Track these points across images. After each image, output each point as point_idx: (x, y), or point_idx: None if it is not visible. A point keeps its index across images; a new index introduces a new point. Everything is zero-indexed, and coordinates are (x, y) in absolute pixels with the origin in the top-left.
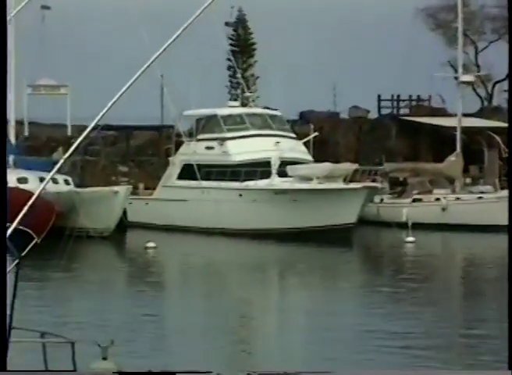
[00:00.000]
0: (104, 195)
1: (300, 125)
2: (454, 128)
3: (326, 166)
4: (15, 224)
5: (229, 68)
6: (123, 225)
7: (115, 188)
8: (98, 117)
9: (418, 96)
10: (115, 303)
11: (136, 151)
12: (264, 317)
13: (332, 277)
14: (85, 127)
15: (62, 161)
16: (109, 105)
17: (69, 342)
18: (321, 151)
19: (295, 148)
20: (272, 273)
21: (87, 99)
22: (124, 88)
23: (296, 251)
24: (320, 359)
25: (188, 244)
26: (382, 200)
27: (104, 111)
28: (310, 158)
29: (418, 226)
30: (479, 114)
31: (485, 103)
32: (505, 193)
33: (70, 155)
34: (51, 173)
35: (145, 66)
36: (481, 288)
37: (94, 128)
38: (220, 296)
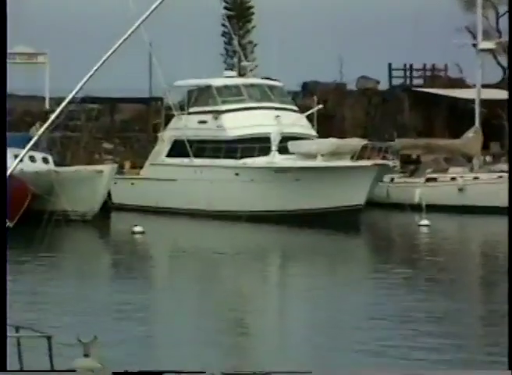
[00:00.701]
0: (87, 175)
1: (302, 97)
2: (473, 101)
3: (332, 142)
4: None
5: (225, 34)
6: (107, 207)
7: (99, 167)
8: (77, 88)
9: (433, 65)
10: (96, 299)
11: (122, 126)
12: (260, 319)
13: (338, 266)
14: (63, 100)
15: (36, 137)
16: (90, 74)
17: (45, 337)
18: (325, 125)
19: (297, 122)
20: (272, 263)
21: (68, 69)
22: (106, 55)
23: (298, 236)
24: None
25: (179, 228)
26: (392, 180)
27: (83, 81)
28: (314, 133)
29: (433, 209)
30: (500, 85)
31: (507, 73)
32: None
33: (47, 130)
34: (25, 150)
35: (130, 30)
36: (500, 280)
37: (73, 101)
38: (214, 291)
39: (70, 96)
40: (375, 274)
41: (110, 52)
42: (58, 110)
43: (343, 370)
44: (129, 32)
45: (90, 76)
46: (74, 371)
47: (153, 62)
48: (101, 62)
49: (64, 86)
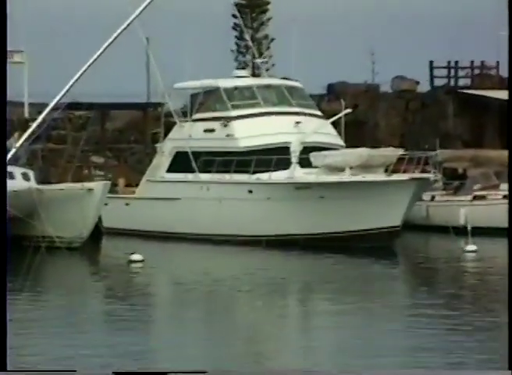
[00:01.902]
0: (75, 194)
1: (328, 101)
2: None
3: (362, 153)
4: None
5: (235, 27)
6: (99, 232)
7: (89, 185)
8: (62, 92)
9: (482, 62)
10: (86, 347)
11: (115, 136)
12: (281, 361)
13: (370, 304)
14: (47, 106)
15: (15, 149)
16: (77, 75)
17: None
18: (355, 133)
19: (321, 130)
20: (293, 298)
21: (51, 70)
22: (96, 54)
23: (322, 264)
24: None
25: (184, 256)
26: (433, 197)
27: (70, 84)
28: (341, 142)
29: (481, 232)
30: None
31: None
32: None
33: (27, 141)
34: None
35: (124, 25)
36: None
37: (57, 107)
38: (228, 332)
39: (54, 102)
40: (414, 312)
41: (100, 51)
42: (39, 118)
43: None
44: (121, 28)
45: (78, 79)
46: (74, 371)
47: (150, 60)
48: (90, 61)
49: (46, 90)
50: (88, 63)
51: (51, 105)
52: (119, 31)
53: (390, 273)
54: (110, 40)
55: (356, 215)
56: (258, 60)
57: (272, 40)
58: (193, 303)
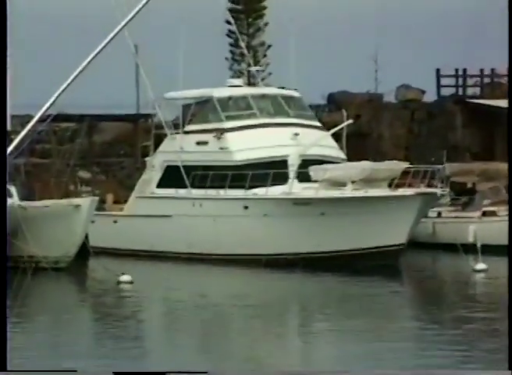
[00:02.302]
0: (61, 211)
1: (328, 111)
2: None
3: (365, 166)
4: None
5: (230, 34)
6: (86, 252)
7: (76, 201)
8: (48, 103)
9: (493, 70)
10: None
11: (103, 150)
12: None
13: (373, 330)
14: (30, 118)
15: None
16: (63, 86)
17: None
18: (357, 146)
19: (321, 142)
20: (290, 322)
21: (35, 79)
22: (84, 64)
23: (323, 285)
24: None
25: (176, 278)
26: (440, 214)
27: (56, 94)
28: (342, 155)
29: (491, 249)
30: None
31: None
32: None
33: (10, 156)
34: None
35: (112, 34)
36: None
37: (42, 119)
38: (224, 358)
39: (39, 113)
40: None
41: (88, 60)
42: (23, 131)
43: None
44: (109, 36)
45: (65, 89)
46: (74, 371)
47: (139, 70)
48: (77, 71)
49: (30, 101)
50: (75, 73)
51: (36, 117)
52: (106, 40)
53: (394, 295)
54: (98, 49)
55: (358, 232)
56: (254, 68)
57: (269, 47)
58: (186, 329)
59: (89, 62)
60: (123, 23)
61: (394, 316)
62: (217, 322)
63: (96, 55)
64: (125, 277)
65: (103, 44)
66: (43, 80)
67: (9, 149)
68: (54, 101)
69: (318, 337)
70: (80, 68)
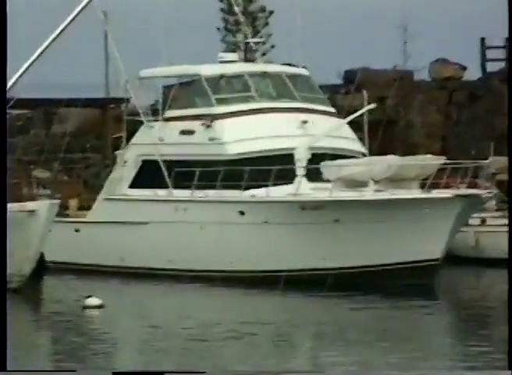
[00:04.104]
0: (12, 218)
1: (345, 93)
2: None
3: (391, 162)
4: None
5: None
6: (43, 268)
7: (30, 205)
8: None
9: None
10: None
11: (65, 143)
12: None
13: (402, 364)
14: None
15: None
16: (25, 66)
17: None
18: (381, 136)
19: (335, 132)
20: (299, 355)
21: None
22: (49, 40)
23: (338, 309)
24: None
25: (155, 300)
26: (484, 221)
27: (16, 76)
28: (362, 148)
29: None
30: None
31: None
32: None
33: None
34: None
35: (81, 5)
36: None
37: None
38: None
39: None
40: None
41: (54, 35)
42: None
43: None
44: (78, 8)
45: (27, 69)
46: (74, 371)
47: (109, 43)
48: (40, 49)
49: None
50: (39, 50)
51: None
52: (75, 12)
53: (428, 320)
54: (66, 22)
55: (382, 244)
56: (252, 40)
57: (271, 13)
58: (169, 363)
59: (54, 39)
60: None
61: (427, 346)
62: (205, 354)
63: (63, 30)
64: (93, 300)
65: (70, 18)
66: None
67: None
68: (14, 84)
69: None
70: (45, 45)
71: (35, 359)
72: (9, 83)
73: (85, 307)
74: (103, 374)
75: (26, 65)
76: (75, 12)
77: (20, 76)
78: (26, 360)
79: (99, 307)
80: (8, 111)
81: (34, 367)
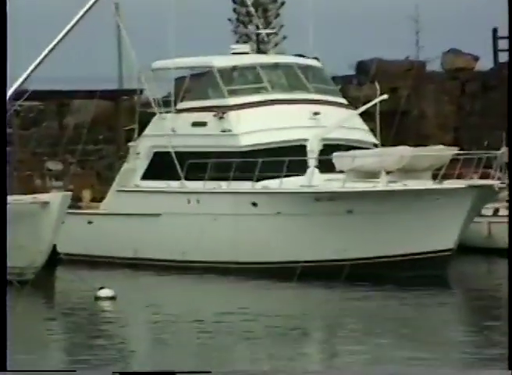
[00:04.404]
0: (24, 210)
1: (357, 84)
2: None
3: (403, 153)
4: None
5: None
6: (57, 260)
7: (43, 197)
8: (21, 79)
9: None
10: None
11: (77, 135)
12: None
13: (416, 357)
14: None
15: None
16: (38, 59)
17: None
18: (393, 127)
19: (347, 123)
20: (313, 348)
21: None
22: (62, 34)
23: (351, 301)
24: None
25: (168, 292)
26: (497, 211)
27: (30, 68)
28: (374, 139)
29: None
30: None
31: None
32: None
33: None
34: None
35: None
36: None
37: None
38: None
39: (11, 90)
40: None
41: (69, 27)
42: None
43: None
44: (90, 2)
45: (40, 62)
46: (74, 371)
47: (122, 34)
48: (54, 42)
49: None
50: (52, 44)
51: (8, 93)
52: (88, 5)
53: (441, 312)
54: (78, 15)
55: (395, 235)
56: (264, 31)
57: (283, 4)
58: (182, 358)
59: (67, 33)
60: None
61: (436, 339)
62: (216, 346)
63: (76, 22)
64: (105, 292)
65: (82, 12)
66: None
67: None
68: (28, 76)
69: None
70: (58, 38)
71: (46, 355)
72: (22, 77)
73: (97, 298)
74: (103, 374)
75: (39, 58)
76: (88, 5)
77: (33, 70)
78: (36, 355)
79: (111, 298)
80: (20, 103)
81: (34, 367)
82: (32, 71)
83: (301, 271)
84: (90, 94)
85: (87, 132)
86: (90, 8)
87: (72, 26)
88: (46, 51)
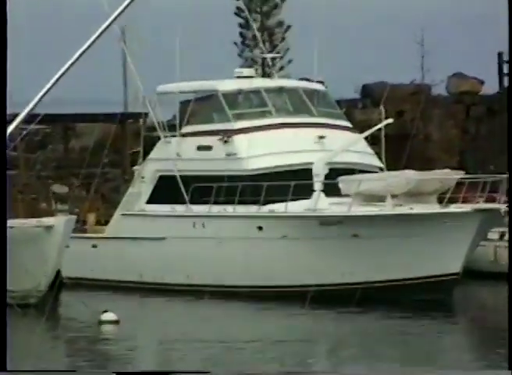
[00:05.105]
0: (29, 233)
1: (362, 107)
2: None
3: (409, 176)
4: None
5: (239, 12)
6: (61, 284)
7: (47, 221)
8: (32, 104)
9: None
10: None
11: (83, 158)
12: None
13: None
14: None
15: None
16: (52, 82)
17: None
18: (399, 151)
19: (353, 147)
20: None
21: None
22: (76, 55)
23: (355, 325)
24: None
25: (172, 316)
26: (503, 235)
27: (42, 93)
28: (379, 163)
29: None
30: None
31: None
32: None
33: None
34: None
35: (106, 23)
36: None
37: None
38: None
39: (22, 115)
40: None
41: (80, 51)
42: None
43: None
44: (102, 27)
45: (52, 87)
46: (74, 371)
47: (127, 58)
48: (66, 66)
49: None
50: (64, 68)
51: (18, 119)
52: (99, 31)
53: (446, 339)
54: (89, 40)
55: (401, 259)
56: (269, 55)
57: (288, 28)
58: None
59: (75, 62)
60: (116, 13)
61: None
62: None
63: (88, 48)
64: (108, 315)
65: (94, 37)
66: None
67: None
68: (39, 100)
69: None
70: (70, 62)
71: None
72: (31, 104)
73: (101, 322)
74: (103, 374)
75: (49, 83)
76: (99, 31)
77: (43, 95)
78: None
79: (115, 322)
80: (24, 126)
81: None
82: (43, 96)
83: (305, 295)
84: (95, 118)
85: (92, 155)
86: (101, 34)
87: (83, 52)
88: (57, 76)
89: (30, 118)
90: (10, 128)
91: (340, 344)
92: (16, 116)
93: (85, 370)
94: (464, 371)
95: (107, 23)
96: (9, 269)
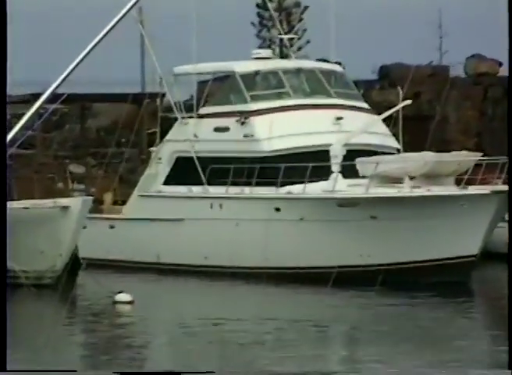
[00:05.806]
0: (44, 214)
1: (379, 88)
2: None
3: (426, 158)
4: None
5: None
6: (78, 265)
7: (64, 201)
8: (55, 85)
9: None
10: None
11: (100, 138)
12: None
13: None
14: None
15: None
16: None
17: None
18: (417, 132)
19: (371, 128)
20: (335, 360)
21: (33, 53)
22: (98, 37)
23: (372, 308)
24: None
25: (188, 297)
26: None
27: (65, 74)
28: (396, 144)
29: None
30: None
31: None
32: None
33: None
34: None
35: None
36: None
37: (23, 100)
38: None
39: (45, 96)
40: None
41: (102, 34)
42: (26, 116)
43: None
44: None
45: (74, 69)
46: (74, 371)
47: (144, 38)
48: (88, 48)
49: (29, 77)
50: (86, 50)
51: (41, 99)
52: (118, 17)
53: (464, 320)
54: (112, 23)
55: (419, 241)
56: (286, 36)
57: (306, 8)
58: (199, 362)
59: (103, 37)
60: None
61: (460, 347)
62: (235, 354)
63: (109, 31)
64: (123, 296)
65: (116, 19)
66: (41, 54)
67: (8, 137)
68: (63, 81)
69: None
70: (92, 43)
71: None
72: (56, 83)
73: (115, 302)
74: (103, 374)
75: (74, 63)
76: (117, 18)
77: (66, 76)
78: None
79: (129, 303)
80: (45, 105)
81: (35, 367)
82: (67, 75)
83: (322, 277)
84: (112, 97)
85: (109, 135)
86: (124, 15)
87: (106, 34)
88: (80, 58)
89: (52, 98)
90: (33, 108)
91: (359, 326)
92: (36, 95)
93: (85, 370)
94: (464, 371)
95: (129, 4)
96: (25, 250)
